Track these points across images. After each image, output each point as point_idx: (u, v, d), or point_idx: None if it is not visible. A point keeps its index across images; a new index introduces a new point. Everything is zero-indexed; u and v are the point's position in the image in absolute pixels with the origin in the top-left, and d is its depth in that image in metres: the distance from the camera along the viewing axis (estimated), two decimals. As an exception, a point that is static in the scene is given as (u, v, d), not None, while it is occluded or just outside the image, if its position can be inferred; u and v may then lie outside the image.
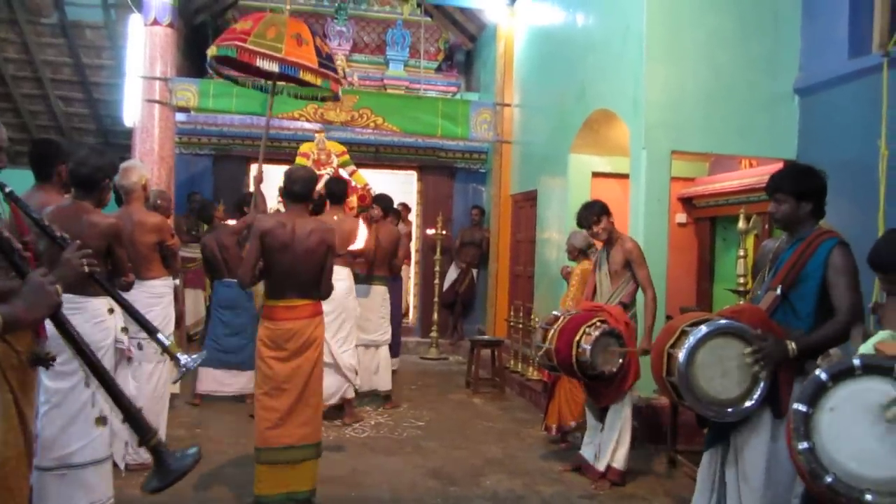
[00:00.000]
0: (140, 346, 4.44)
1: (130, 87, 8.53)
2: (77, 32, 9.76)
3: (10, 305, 1.81)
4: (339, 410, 6.13)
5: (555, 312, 5.06)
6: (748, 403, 2.88)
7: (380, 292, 6.80)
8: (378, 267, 6.76)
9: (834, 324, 2.88)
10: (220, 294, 6.53)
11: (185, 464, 2.10)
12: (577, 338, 4.49)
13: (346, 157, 8.95)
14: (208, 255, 6.51)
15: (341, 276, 6.03)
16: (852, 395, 2.02)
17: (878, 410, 1.97)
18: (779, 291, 2.99)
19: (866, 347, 2.84)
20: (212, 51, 5.55)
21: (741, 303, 4.54)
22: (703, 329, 2.88)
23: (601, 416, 4.81)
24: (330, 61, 5.70)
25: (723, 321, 2.92)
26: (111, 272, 3.57)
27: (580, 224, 4.97)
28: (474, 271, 10.06)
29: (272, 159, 10.29)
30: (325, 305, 5.67)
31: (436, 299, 9.70)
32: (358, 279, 6.48)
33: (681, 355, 2.85)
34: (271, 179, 11.14)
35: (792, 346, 2.84)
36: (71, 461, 3.34)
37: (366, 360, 6.61)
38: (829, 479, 1.96)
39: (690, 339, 2.86)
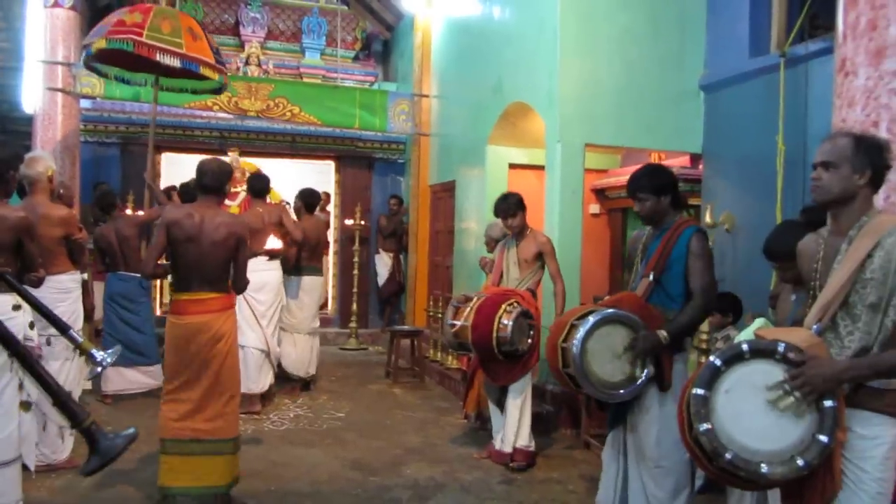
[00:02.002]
0: (48, 342, 4.28)
1: (30, 72, 8.12)
2: (-31, 12, 9.22)
3: None
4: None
5: (465, 293, 5.25)
6: (638, 382, 3.17)
7: (318, 283, 7.14)
8: (312, 258, 6.98)
9: (692, 306, 3.23)
10: (114, 287, 6.28)
11: (118, 444, 2.07)
12: (499, 313, 4.67)
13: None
14: (104, 246, 6.27)
15: (273, 267, 6.36)
16: (742, 377, 2.19)
17: (765, 391, 2.14)
18: (651, 277, 3.28)
19: (747, 334, 3.08)
20: (100, 43, 5.19)
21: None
22: (591, 320, 3.12)
23: (500, 398, 4.96)
24: (219, 55, 5.63)
25: (608, 311, 3.18)
26: (20, 268, 3.42)
27: (497, 213, 5.11)
28: (402, 257, 10.10)
29: (184, 149, 10.05)
30: (263, 296, 6.17)
31: (355, 290, 9.65)
32: (296, 271, 6.81)
33: (574, 347, 3.09)
34: (186, 169, 10.84)
35: (663, 334, 3.15)
36: None
37: (305, 349, 6.96)
38: (728, 456, 2.11)
39: (581, 331, 3.11)
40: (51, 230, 4.42)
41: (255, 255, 5.60)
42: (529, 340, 4.76)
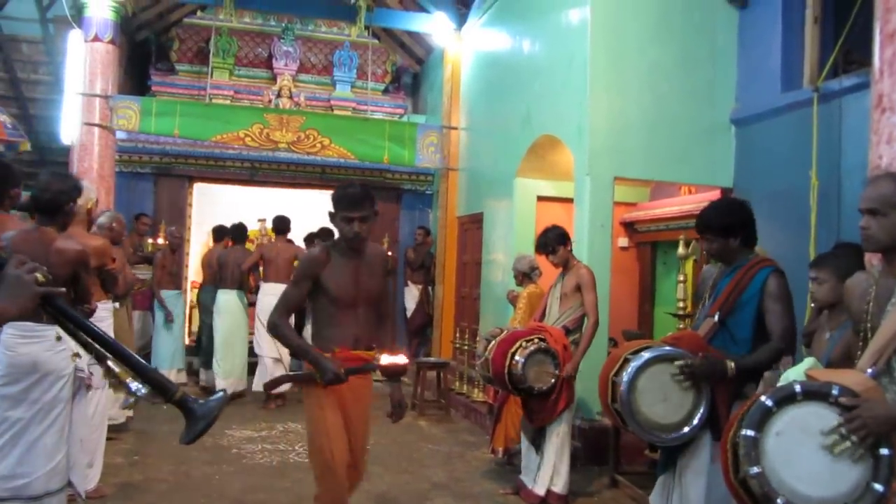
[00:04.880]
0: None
1: (69, 105, 8.32)
2: (13, 46, 9.50)
3: None
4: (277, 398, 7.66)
5: (499, 327, 5.20)
6: (688, 428, 2.98)
7: None
8: None
9: (769, 348, 3.02)
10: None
11: (213, 406, 2.05)
12: (513, 349, 4.60)
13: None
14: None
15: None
16: (795, 419, 2.11)
17: (819, 435, 2.07)
18: (716, 318, 3.10)
19: (797, 374, 2.97)
20: None
21: (684, 328, 4.68)
22: (645, 356, 2.98)
23: (535, 437, 4.84)
24: None
25: (664, 348, 3.03)
26: (74, 299, 3.49)
27: (539, 249, 5.03)
28: (430, 289, 10.06)
29: (216, 179, 10.21)
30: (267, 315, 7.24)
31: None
32: None
33: (623, 382, 2.93)
34: (217, 199, 11.02)
35: (731, 365, 2.96)
36: (25, 492, 3.23)
37: None
38: (780, 501, 2.05)
39: (631, 367, 2.96)
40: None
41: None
42: (553, 380, 4.61)
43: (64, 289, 2.14)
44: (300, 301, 3.32)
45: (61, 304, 1.96)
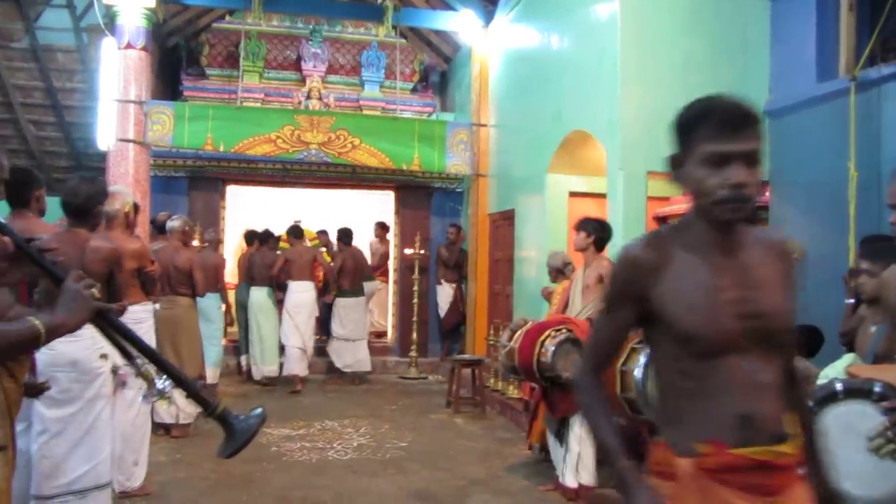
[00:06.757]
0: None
1: (104, 111, 8.47)
2: (48, 56, 9.65)
3: (50, 315, 1.82)
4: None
5: (523, 318, 5.25)
6: None
7: (357, 302, 9.22)
8: (353, 283, 9.14)
9: None
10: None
11: (252, 424, 2.09)
12: (542, 338, 4.66)
13: (318, 241, 10.08)
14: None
15: (308, 289, 8.80)
16: (837, 418, 2.10)
17: (863, 434, 2.05)
18: None
19: (836, 371, 2.96)
20: None
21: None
22: None
23: (559, 430, 4.84)
24: None
25: None
26: (109, 298, 3.58)
27: (577, 226, 5.17)
28: (463, 287, 10.05)
29: (248, 181, 10.32)
30: (301, 310, 8.72)
31: (415, 318, 9.69)
32: (338, 294, 9.09)
33: (637, 372, 2.98)
34: (250, 202, 11.15)
35: None
36: (74, 487, 3.33)
37: (352, 351, 9.17)
38: None
39: (641, 356, 3.00)
40: (125, 263, 4.57)
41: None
42: None
43: (117, 305, 2.22)
44: (617, 339, 1.81)
45: (113, 319, 2.03)
